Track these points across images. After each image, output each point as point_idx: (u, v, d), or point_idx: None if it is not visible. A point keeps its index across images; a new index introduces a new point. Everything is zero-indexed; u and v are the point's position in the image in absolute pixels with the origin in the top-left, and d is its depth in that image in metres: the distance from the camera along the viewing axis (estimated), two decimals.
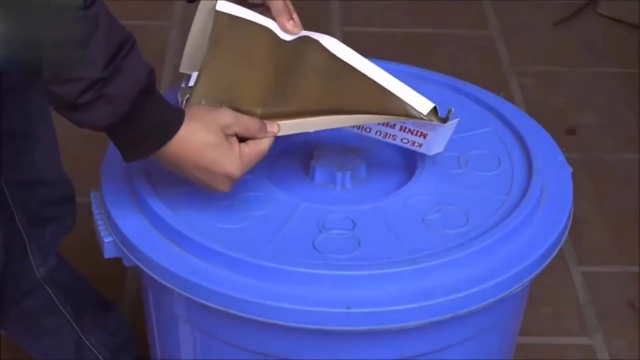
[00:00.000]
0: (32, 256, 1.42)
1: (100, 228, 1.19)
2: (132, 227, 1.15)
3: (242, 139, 1.12)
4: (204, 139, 1.08)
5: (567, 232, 1.19)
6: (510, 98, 2.38)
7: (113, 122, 1.03)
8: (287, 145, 1.29)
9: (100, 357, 1.52)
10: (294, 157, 1.28)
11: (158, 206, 1.15)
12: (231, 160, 1.10)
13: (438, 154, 1.25)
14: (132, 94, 1.02)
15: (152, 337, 1.31)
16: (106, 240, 1.18)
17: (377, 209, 1.17)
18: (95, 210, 1.20)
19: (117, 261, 1.19)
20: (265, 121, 1.14)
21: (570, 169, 1.26)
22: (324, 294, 1.06)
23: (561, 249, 1.18)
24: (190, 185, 1.20)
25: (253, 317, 1.06)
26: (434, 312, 1.07)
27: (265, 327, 1.07)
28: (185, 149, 1.08)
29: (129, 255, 1.15)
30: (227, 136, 1.10)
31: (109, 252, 1.18)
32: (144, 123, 1.05)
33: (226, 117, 1.11)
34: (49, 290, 1.45)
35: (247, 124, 1.12)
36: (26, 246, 1.40)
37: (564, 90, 2.54)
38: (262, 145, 1.13)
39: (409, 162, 1.27)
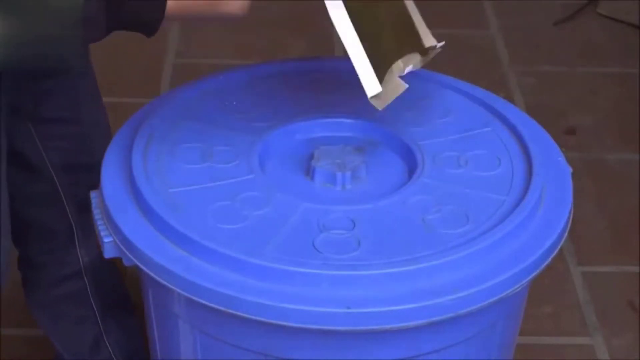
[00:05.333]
0: (78, 244, 1.43)
1: (100, 228, 1.19)
2: (132, 227, 1.15)
3: None
4: None
5: (567, 232, 1.19)
6: (510, 98, 2.39)
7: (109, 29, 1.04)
8: (287, 146, 1.29)
9: (114, 358, 1.53)
10: (294, 157, 1.28)
11: (158, 206, 1.15)
12: None
13: (438, 153, 1.25)
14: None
15: (152, 337, 1.31)
16: (106, 240, 1.18)
17: (377, 209, 1.17)
18: (95, 210, 1.21)
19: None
20: None
21: (571, 169, 1.26)
22: (324, 294, 1.06)
23: (561, 249, 1.18)
24: (190, 185, 1.20)
25: (253, 317, 1.06)
26: (434, 312, 1.07)
27: (265, 327, 1.07)
28: None
29: (129, 255, 1.15)
30: None
31: (109, 252, 1.18)
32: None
33: None
34: (86, 281, 1.46)
35: None
36: (73, 234, 1.42)
37: (564, 90, 2.55)
38: None
39: (409, 162, 1.27)
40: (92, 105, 1.42)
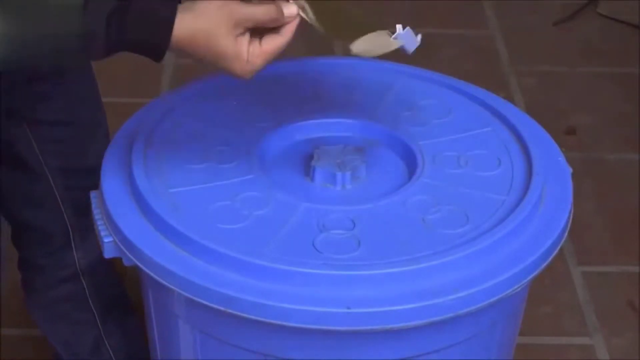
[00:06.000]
0: (74, 247, 1.43)
1: (100, 228, 1.19)
2: (132, 227, 1.15)
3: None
4: (209, 45, 1.05)
5: (567, 232, 1.19)
6: (510, 98, 2.39)
7: (110, 52, 1.02)
8: (287, 145, 1.29)
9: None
10: (294, 157, 1.28)
11: (158, 206, 1.15)
12: (239, 65, 1.07)
13: (438, 153, 1.25)
14: (104, 22, 1.00)
15: (152, 337, 1.31)
16: (106, 240, 1.17)
17: (377, 209, 1.17)
18: (95, 210, 1.20)
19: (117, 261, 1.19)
20: (282, 2, 1.08)
21: (570, 169, 1.26)
22: (324, 294, 1.06)
23: (561, 249, 1.18)
24: (190, 185, 1.20)
25: (253, 317, 1.06)
26: (434, 312, 1.07)
27: (265, 327, 1.07)
28: (195, 48, 1.05)
29: (129, 255, 1.15)
30: (237, 37, 1.06)
31: (109, 252, 1.18)
32: (138, 37, 1.03)
33: (235, 14, 1.05)
34: (84, 283, 1.47)
35: (258, 16, 1.06)
36: (70, 237, 1.42)
37: (564, 90, 2.55)
38: (281, 39, 1.08)
39: (409, 162, 1.27)
40: (91, 108, 1.42)
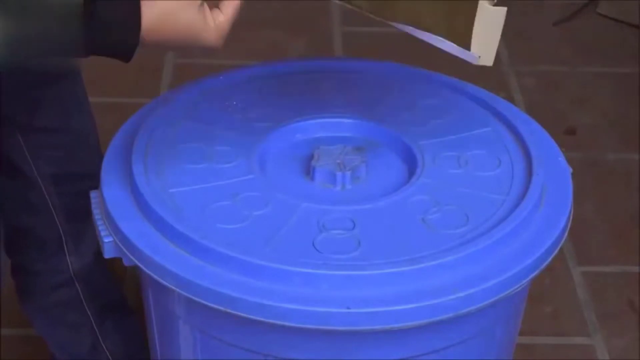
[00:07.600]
0: (67, 252, 1.43)
1: (100, 228, 1.19)
2: (132, 227, 1.15)
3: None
4: (176, 23, 1.03)
5: (567, 232, 1.19)
6: (510, 98, 2.39)
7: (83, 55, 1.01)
8: (287, 146, 1.29)
9: None
10: (294, 157, 1.28)
11: (158, 206, 1.15)
12: (208, 34, 1.05)
13: (438, 153, 1.25)
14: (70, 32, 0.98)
15: (152, 337, 1.31)
16: (106, 240, 1.18)
17: (377, 209, 1.17)
18: (95, 210, 1.21)
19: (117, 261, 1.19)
20: None
21: (571, 169, 1.26)
22: (324, 294, 1.06)
23: (561, 249, 1.18)
24: (190, 185, 1.20)
25: (253, 317, 1.06)
26: (434, 312, 1.07)
27: (265, 327, 1.07)
28: (162, 34, 1.03)
29: (129, 255, 1.15)
30: (199, 9, 1.04)
31: (109, 252, 1.18)
32: (108, 39, 1.00)
33: None
34: (78, 287, 1.47)
35: None
36: (62, 242, 1.42)
37: (564, 90, 2.55)
38: (237, 1, 1.07)
39: (409, 162, 1.27)
40: (81, 114, 1.42)
